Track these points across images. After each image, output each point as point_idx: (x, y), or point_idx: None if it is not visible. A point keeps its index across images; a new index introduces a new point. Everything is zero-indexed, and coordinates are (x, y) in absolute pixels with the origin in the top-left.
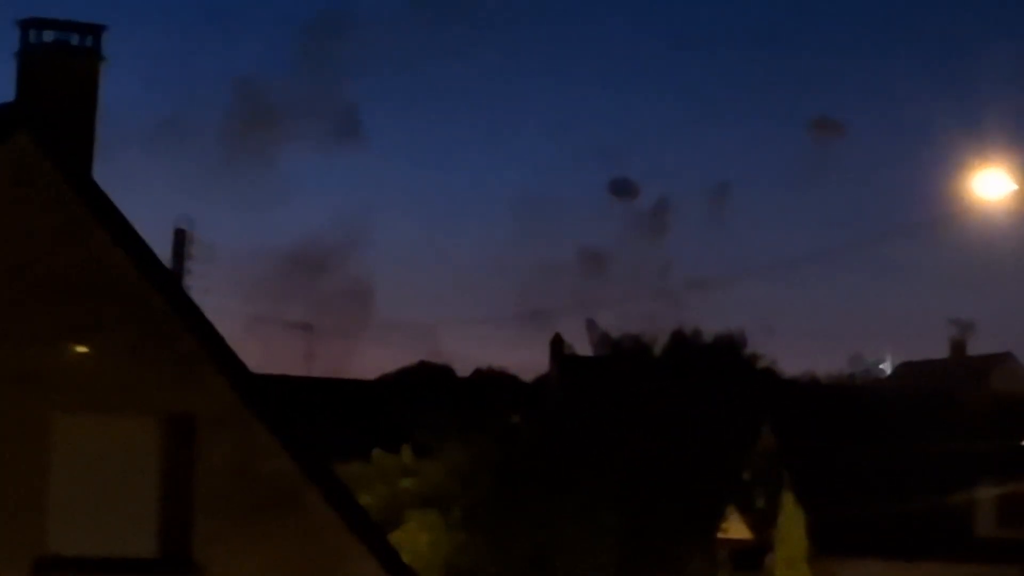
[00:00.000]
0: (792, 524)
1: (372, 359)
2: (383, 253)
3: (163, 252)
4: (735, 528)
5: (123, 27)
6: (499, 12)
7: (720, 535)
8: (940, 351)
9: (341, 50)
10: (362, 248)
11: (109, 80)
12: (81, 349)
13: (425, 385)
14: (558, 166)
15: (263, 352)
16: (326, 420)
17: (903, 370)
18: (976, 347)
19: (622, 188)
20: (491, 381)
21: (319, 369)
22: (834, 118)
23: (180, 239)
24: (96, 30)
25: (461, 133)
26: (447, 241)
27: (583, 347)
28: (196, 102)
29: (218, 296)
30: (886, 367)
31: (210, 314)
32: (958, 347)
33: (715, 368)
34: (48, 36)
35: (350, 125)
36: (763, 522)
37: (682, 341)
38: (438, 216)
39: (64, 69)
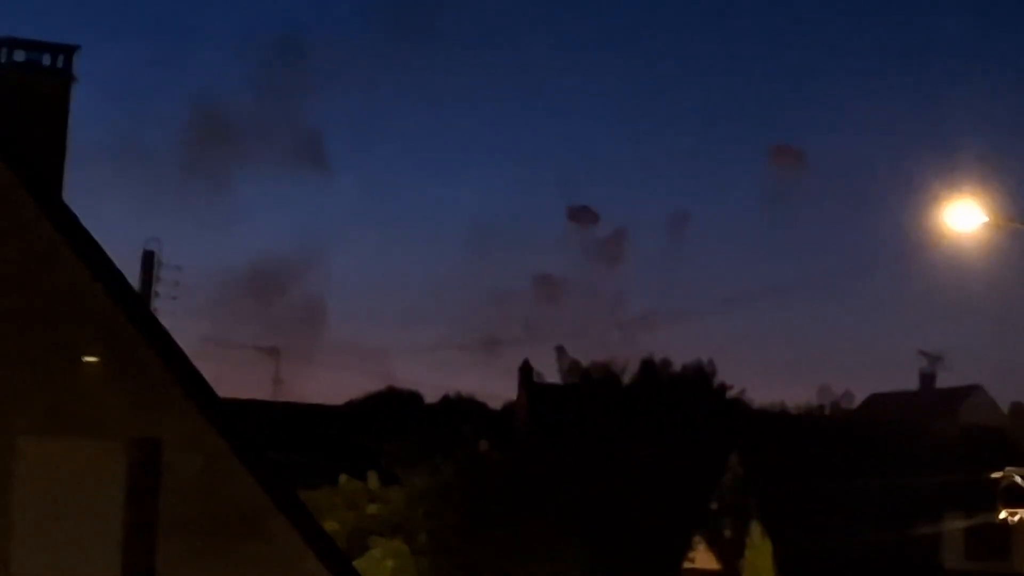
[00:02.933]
0: (760, 554)
1: (328, 383)
2: (340, 277)
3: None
4: (702, 558)
5: (83, 47)
6: (458, 39)
7: (687, 565)
8: (910, 383)
9: (300, 73)
10: (319, 272)
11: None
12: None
13: (392, 411)
14: (516, 193)
15: (219, 375)
16: (293, 445)
17: (872, 402)
18: (945, 379)
19: (584, 217)
20: (459, 408)
21: (269, 393)
22: (802, 149)
23: (148, 261)
24: (68, 50)
25: (419, 158)
26: (405, 266)
27: (551, 374)
28: (152, 123)
29: (184, 319)
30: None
31: (177, 337)
32: (927, 379)
33: (684, 398)
34: (19, 56)
35: (308, 148)
36: (731, 552)
37: (651, 370)
38: (395, 241)
39: (36, 89)
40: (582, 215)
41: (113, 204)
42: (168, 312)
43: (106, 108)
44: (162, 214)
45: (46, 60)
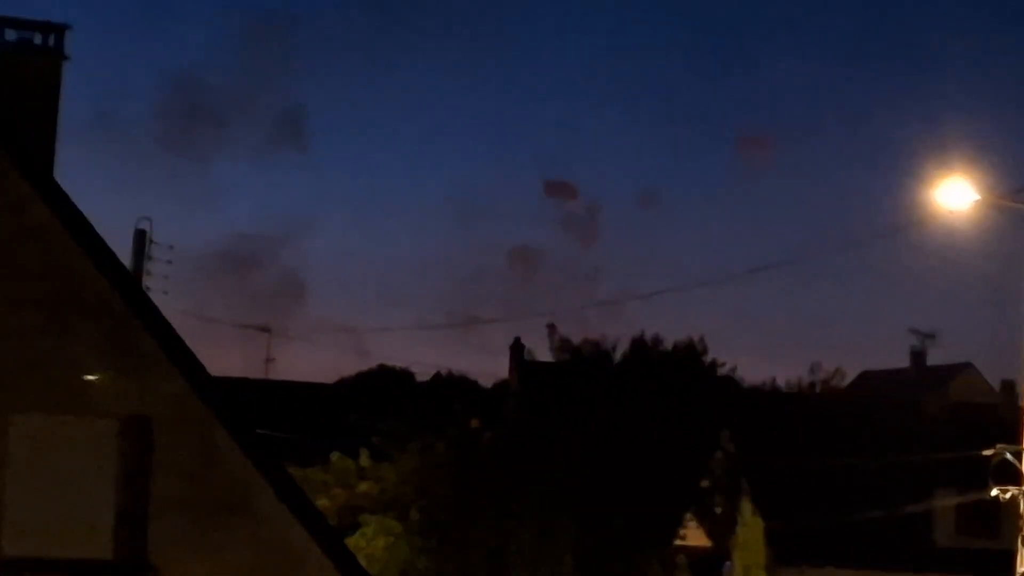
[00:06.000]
0: (751, 532)
1: (315, 361)
2: (322, 255)
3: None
4: (693, 535)
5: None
6: (435, 18)
7: (678, 542)
8: (901, 360)
9: (281, 52)
10: (302, 250)
11: None
12: (39, 350)
13: (384, 389)
14: (493, 169)
15: (209, 353)
16: (284, 423)
17: (863, 379)
18: (936, 357)
19: (562, 191)
20: (450, 385)
21: (256, 371)
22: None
23: (140, 240)
24: (59, 29)
25: (399, 137)
26: (385, 244)
27: (542, 352)
28: (131, 100)
29: (174, 297)
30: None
31: (167, 315)
32: (918, 356)
33: (675, 375)
34: (11, 35)
35: (289, 126)
36: (722, 529)
37: (642, 348)
38: (375, 218)
39: (27, 68)
40: (560, 190)
41: (93, 181)
42: (159, 291)
43: (84, 84)
44: (142, 192)
45: (37, 39)
